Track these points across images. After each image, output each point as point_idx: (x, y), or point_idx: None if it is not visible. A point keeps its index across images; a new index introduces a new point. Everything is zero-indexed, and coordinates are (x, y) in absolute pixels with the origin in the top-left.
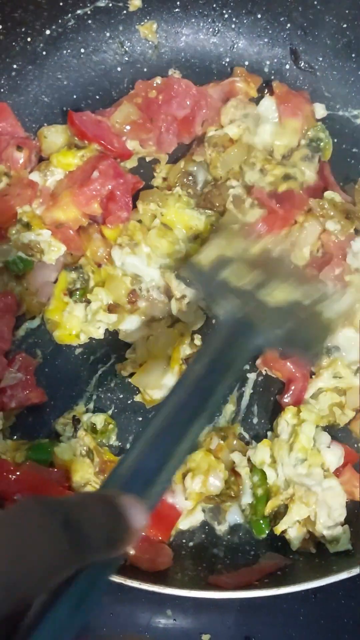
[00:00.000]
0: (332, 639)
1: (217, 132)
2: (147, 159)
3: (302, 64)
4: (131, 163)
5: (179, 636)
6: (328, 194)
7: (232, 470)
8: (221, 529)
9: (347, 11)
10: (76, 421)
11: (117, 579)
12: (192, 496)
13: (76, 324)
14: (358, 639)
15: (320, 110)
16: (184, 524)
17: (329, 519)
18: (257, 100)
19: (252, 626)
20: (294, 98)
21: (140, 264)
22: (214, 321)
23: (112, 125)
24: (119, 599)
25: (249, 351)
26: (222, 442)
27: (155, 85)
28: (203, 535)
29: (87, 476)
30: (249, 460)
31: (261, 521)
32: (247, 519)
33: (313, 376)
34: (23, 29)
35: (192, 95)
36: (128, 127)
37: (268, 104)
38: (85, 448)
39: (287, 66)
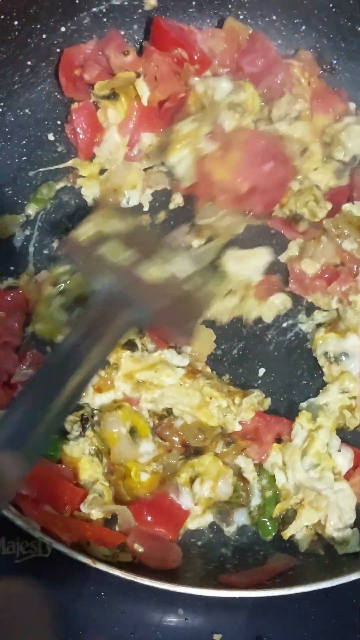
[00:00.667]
0: (344, 639)
1: (268, 128)
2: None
3: (324, 65)
4: None
5: (191, 635)
6: (346, 207)
7: (240, 476)
8: (229, 530)
9: None
10: (84, 420)
11: (127, 576)
12: (201, 501)
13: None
14: None
15: (352, 111)
16: (192, 524)
17: (340, 522)
18: None
19: (263, 626)
20: (329, 95)
21: None
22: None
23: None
24: (130, 598)
25: (123, 324)
26: (227, 447)
27: (245, 34)
28: (211, 535)
29: (95, 475)
30: (255, 464)
31: (268, 523)
32: (254, 520)
33: (320, 390)
34: (38, 26)
35: (267, 59)
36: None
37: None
38: (93, 448)
39: None
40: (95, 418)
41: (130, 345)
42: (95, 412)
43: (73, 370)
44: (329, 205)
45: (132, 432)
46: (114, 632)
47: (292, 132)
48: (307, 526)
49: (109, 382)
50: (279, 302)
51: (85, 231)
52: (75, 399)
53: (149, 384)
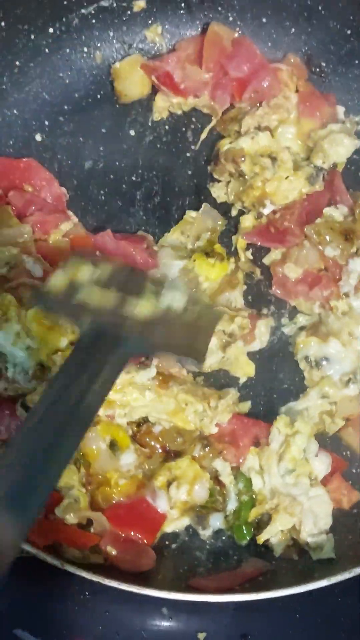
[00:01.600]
0: (329, 637)
1: (232, 145)
2: None
3: (313, 68)
4: None
5: (175, 635)
6: (327, 211)
7: (216, 480)
8: (205, 533)
9: (351, 17)
10: None
11: (95, 578)
12: (177, 505)
13: None
14: (354, 636)
15: (340, 114)
16: (169, 527)
17: (315, 527)
18: None
19: (248, 624)
20: (316, 99)
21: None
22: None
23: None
24: (114, 598)
25: (119, 359)
26: (204, 450)
27: (232, 38)
28: (186, 538)
29: (71, 482)
30: (232, 468)
31: (244, 527)
32: (230, 524)
33: (301, 395)
34: (25, 26)
35: (253, 63)
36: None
37: (292, 101)
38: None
39: None
40: None
41: None
42: None
43: (68, 417)
44: None
45: (112, 445)
46: (98, 632)
47: (255, 145)
48: (282, 531)
49: None
50: (264, 328)
51: (55, 282)
52: (73, 448)
53: (121, 403)
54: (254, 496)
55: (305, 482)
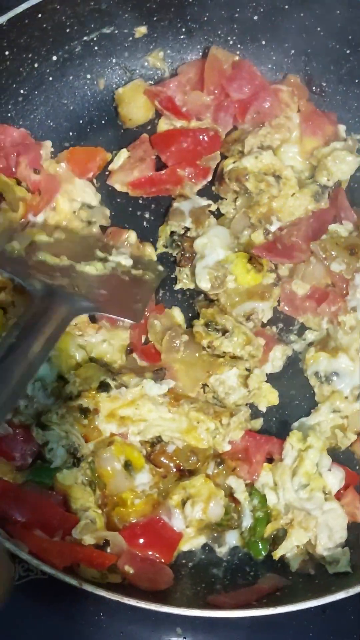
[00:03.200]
0: None
1: (236, 165)
2: None
3: (314, 88)
4: None
5: None
6: (332, 227)
7: (231, 497)
8: (221, 551)
9: (349, 37)
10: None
11: (113, 597)
12: (193, 523)
13: None
14: None
15: (342, 132)
16: (185, 546)
17: (330, 541)
18: None
19: None
20: (318, 118)
21: None
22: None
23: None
24: (128, 619)
25: (63, 316)
26: (218, 468)
27: (232, 61)
28: (203, 556)
29: (87, 504)
30: (246, 485)
31: (260, 543)
32: (246, 541)
33: (312, 410)
34: (30, 55)
35: (254, 85)
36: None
37: (294, 120)
38: (87, 478)
39: None
40: (90, 458)
41: (104, 387)
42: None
43: (13, 368)
44: None
45: (127, 465)
46: None
47: (259, 164)
48: (297, 546)
49: (93, 428)
50: (280, 354)
51: (17, 244)
52: (18, 396)
53: (133, 418)
54: (268, 512)
55: (319, 497)
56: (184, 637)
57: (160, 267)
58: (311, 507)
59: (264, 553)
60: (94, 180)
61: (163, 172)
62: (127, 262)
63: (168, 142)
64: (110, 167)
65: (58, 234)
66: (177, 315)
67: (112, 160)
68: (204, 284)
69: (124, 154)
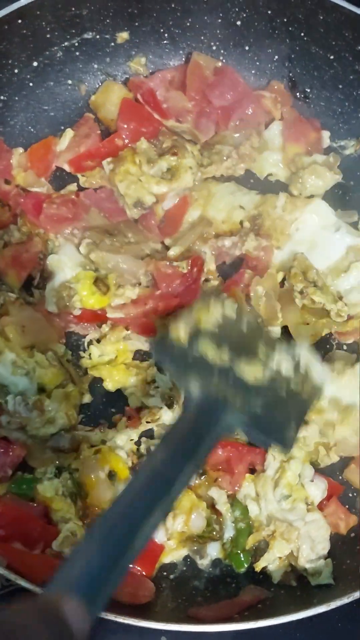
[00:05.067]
0: None
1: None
2: None
3: (298, 93)
4: None
5: None
6: None
7: (213, 508)
8: (203, 563)
9: (333, 42)
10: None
11: None
12: (174, 535)
13: None
14: None
15: (325, 139)
16: (167, 558)
17: (312, 553)
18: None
19: None
20: (301, 124)
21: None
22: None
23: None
24: (113, 630)
25: (218, 431)
26: (200, 479)
27: (214, 67)
28: (184, 568)
29: (68, 515)
30: (228, 496)
31: (241, 555)
32: (227, 552)
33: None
34: (9, 61)
35: (236, 91)
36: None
37: (276, 127)
38: (67, 489)
39: None
40: (73, 466)
41: None
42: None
43: (159, 496)
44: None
45: (111, 475)
46: None
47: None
48: (280, 558)
49: None
50: None
51: (179, 329)
52: (154, 529)
53: None
54: (250, 523)
55: (301, 508)
56: None
57: (320, 384)
58: (293, 518)
59: (245, 565)
60: None
61: (101, 144)
62: (288, 371)
63: (133, 116)
64: (57, 149)
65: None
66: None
67: None
68: (50, 307)
69: (69, 133)
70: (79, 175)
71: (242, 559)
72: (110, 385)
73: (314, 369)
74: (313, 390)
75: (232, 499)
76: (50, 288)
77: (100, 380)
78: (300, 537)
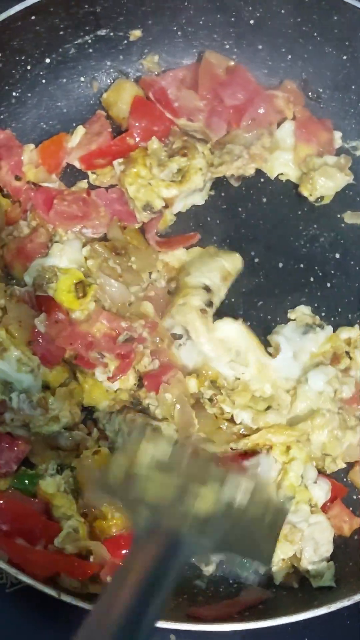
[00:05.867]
0: None
1: None
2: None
3: (310, 94)
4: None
5: None
6: None
7: None
8: (208, 569)
9: (347, 43)
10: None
11: (92, 607)
12: None
13: None
14: None
15: (337, 140)
16: None
17: (315, 555)
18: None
19: None
20: (313, 125)
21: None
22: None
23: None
24: None
25: (176, 566)
26: None
27: (227, 66)
28: (186, 568)
29: (69, 512)
30: None
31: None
32: None
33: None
34: (23, 57)
35: (248, 91)
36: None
37: (288, 127)
38: (69, 486)
39: None
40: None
41: None
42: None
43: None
44: None
45: None
46: None
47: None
48: (282, 559)
49: None
50: None
51: (115, 468)
52: None
53: None
54: None
55: (305, 509)
56: None
57: (287, 505)
58: (297, 520)
59: (250, 570)
60: None
61: (112, 142)
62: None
63: (145, 114)
64: (68, 145)
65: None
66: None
67: None
68: (27, 279)
69: (80, 130)
70: (89, 173)
71: (246, 562)
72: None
73: (272, 494)
74: (278, 510)
75: None
76: (38, 263)
77: None
78: (303, 539)
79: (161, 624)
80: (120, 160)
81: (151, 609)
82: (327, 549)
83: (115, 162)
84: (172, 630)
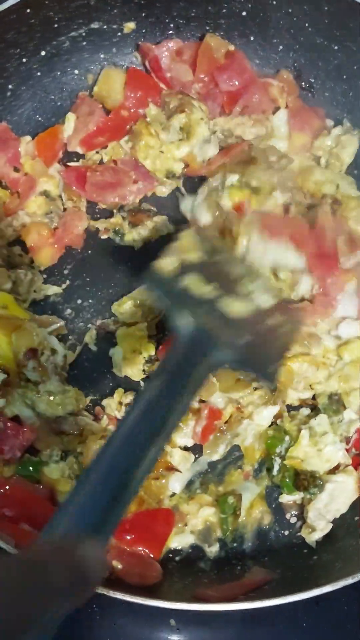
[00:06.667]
0: None
1: None
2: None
3: (303, 83)
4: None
5: None
6: None
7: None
8: (212, 550)
9: (337, 33)
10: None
11: (100, 590)
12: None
13: None
14: None
15: (330, 127)
16: (174, 543)
17: (324, 508)
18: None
19: (255, 635)
20: (306, 113)
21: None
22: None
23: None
24: (121, 612)
25: (208, 366)
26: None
27: (226, 50)
28: (190, 550)
29: None
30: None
31: (288, 479)
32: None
33: None
34: (17, 50)
35: (243, 78)
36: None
37: (282, 116)
38: (73, 472)
39: None
40: (79, 449)
41: None
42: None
43: (158, 427)
44: None
45: None
46: None
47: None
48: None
49: None
50: None
51: (170, 261)
52: (154, 462)
53: None
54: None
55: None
56: (178, 629)
57: (299, 315)
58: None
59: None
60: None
61: (107, 118)
62: (268, 301)
63: (140, 86)
64: (65, 135)
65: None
66: None
67: None
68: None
69: (71, 117)
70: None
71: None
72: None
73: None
74: (292, 325)
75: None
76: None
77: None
78: (324, 490)
79: (169, 605)
80: (126, 138)
81: (178, 405)
82: (338, 508)
83: (121, 141)
84: (178, 611)
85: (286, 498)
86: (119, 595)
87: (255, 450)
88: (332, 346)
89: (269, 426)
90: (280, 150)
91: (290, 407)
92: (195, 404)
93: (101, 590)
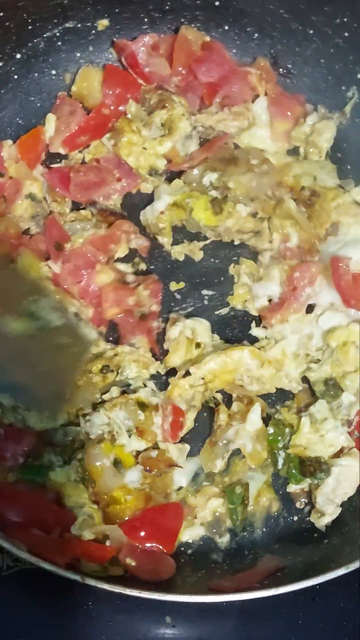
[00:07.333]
0: None
1: None
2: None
3: (281, 70)
4: None
5: None
6: None
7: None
8: (222, 541)
9: (313, 18)
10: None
11: (116, 589)
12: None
13: None
14: None
15: (311, 112)
16: (185, 536)
17: (332, 493)
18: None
19: (251, 631)
20: (286, 100)
21: None
22: None
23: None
24: (117, 608)
25: None
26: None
27: (202, 42)
28: (201, 542)
29: (81, 501)
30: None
31: (294, 470)
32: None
33: None
34: None
35: (223, 68)
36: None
37: (262, 103)
38: (79, 475)
39: None
40: (80, 455)
41: None
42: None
43: None
44: None
45: (117, 462)
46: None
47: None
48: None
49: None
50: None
51: None
52: None
53: None
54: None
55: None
56: (173, 626)
57: (93, 333)
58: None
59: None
60: None
61: (88, 117)
62: (57, 321)
63: (118, 83)
64: (46, 136)
65: None
66: None
67: None
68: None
69: (51, 118)
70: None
71: (295, 472)
72: None
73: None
74: (76, 355)
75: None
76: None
77: None
78: (330, 475)
79: (185, 598)
80: (108, 135)
81: None
82: (346, 492)
83: (104, 139)
84: (192, 603)
85: (294, 487)
86: (135, 593)
87: (259, 452)
88: (318, 337)
89: (268, 421)
90: (263, 145)
91: (284, 397)
92: (155, 400)
93: (117, 589)
